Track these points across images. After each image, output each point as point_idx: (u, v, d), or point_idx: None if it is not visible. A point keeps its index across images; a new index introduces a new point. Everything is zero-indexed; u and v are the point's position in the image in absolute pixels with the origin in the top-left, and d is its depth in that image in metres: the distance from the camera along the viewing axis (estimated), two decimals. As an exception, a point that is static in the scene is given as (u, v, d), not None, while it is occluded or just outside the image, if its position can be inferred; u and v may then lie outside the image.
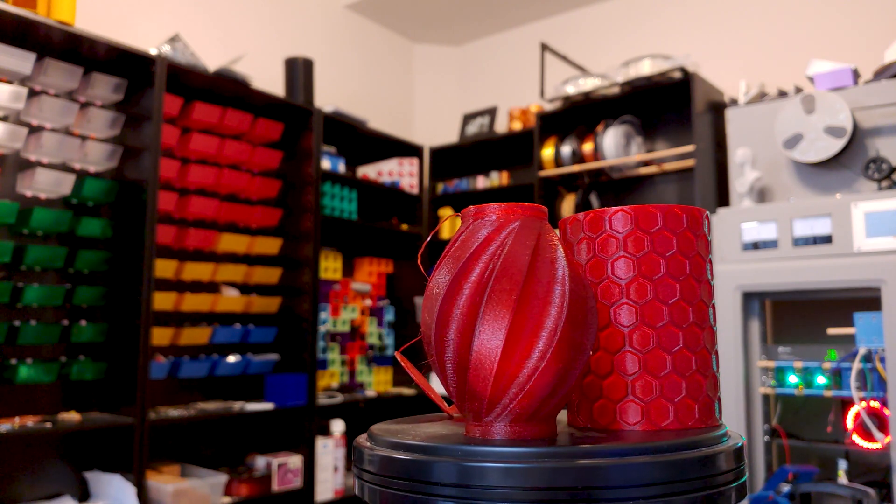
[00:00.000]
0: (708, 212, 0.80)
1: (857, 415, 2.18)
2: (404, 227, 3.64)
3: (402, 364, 0.82)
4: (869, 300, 2.32)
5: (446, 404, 0.82)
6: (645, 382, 0.71)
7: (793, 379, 2.34)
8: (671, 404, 0.72)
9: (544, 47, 3.52)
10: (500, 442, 0.63)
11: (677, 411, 0.72)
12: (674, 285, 0.73)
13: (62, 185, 2.35)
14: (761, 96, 2.73)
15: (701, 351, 0.74)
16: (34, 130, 2.34)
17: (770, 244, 2.41)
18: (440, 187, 3.98)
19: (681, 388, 0.72)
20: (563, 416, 0.83)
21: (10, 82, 2.28)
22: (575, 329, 0.62)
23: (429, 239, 0.73)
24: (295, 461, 2.87)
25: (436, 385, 3.68)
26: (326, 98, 3.68)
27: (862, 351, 2.18)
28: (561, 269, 0.63)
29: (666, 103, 3.26)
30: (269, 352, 3.06)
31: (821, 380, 2.29)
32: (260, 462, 2.85)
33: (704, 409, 0.73)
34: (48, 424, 2.18)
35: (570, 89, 3.33)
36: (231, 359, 2.81)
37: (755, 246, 2.45)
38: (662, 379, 0.72)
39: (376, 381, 3.51)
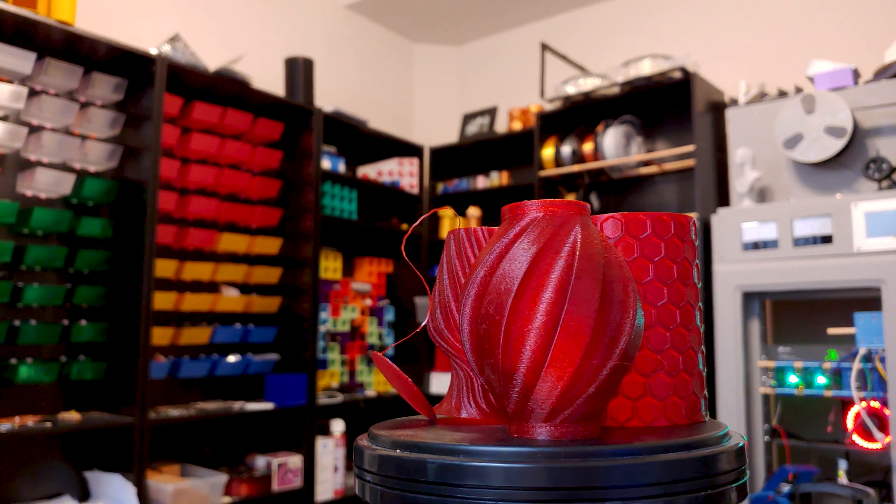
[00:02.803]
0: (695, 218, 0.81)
1: (858, 415, 2.18)
2: (404, 227, 3.64)
3: (379, 364, 0.78)
4: (869, 300, 2.32)
5: (427, 407, 0.80)
6: (661, 381, 0.75)
7: (793, 379, 2.34)
8: (683, 401, 0.76)
9: (544, 47, 3.52)
10: (515, 441, 0.62)
11: (687, 407, 0.76)
12: (683, 290, 0.77)
13: (62, 184, 2.35)
14: (761, 96, 2.73)
15: (700, 351, 0.79)
16: (34, 130, 2.34)
17: (770, 244, 2.41)
18: (440, 187, 3.98)
19: (690, 385, 0.76)
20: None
21: (10, 82, 2.28)
22: (638, 329, 0.62)
23: (410, 231, 0.71)
24: (295, 461, 2.87)
25: (436, 385, 3.68)
26: (326, 98, 3.68)
27: (862, 351, 2.18)
28: (627, 270, 0.63)
29: (666, 103, 3.26)
30: (269, 352, 3.06)
31: (821, 380, 2.29)
32: (260, 462, 2.85)
33: (704, 404, 0.79)
34: (48, 424, 2.18)
35: (570, 89, 3.33)
36: (231, 359, 2.81)
37: (755, 246, 2.45)
38: (675, 378, 0.76)
39: (376, 381, 3.51)
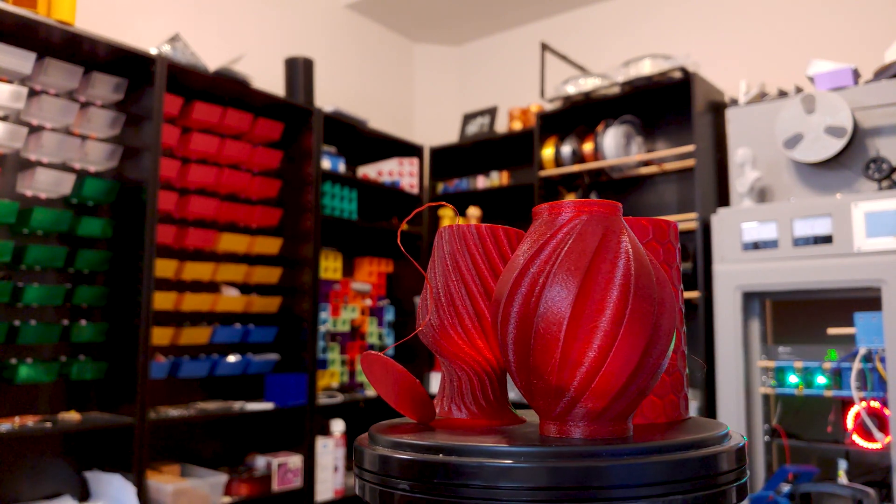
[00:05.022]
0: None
1: (858, 415, 2.18)
2: (405, 227, 3.64)
3: (371, 365, 0.73)
4: (869, 300, 2.32)
5: (428, 408, 0.77)
6: (661, 380, 0.77)
7: (793, 379, 2.34)
8: (678, 398, 0.78)
9: (544, 47, 3.52)
10: (527, 441, 0.62)
11: (682, 404, 0.79)
12: (676, 292, 0.80)
13: (62, 184, 2.35)
14: (761, 96, 2.73)
15: (685, 351, 0.83)
16: (34, 130, 2.34)
17: (770, 244, 2.41)
18: (440, 187, 3.98)
19: (682, 384, 0.79)
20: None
21: (10, 82, 2.28)
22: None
23: (404, 224, 0.70)
24: (295, 461, 2.87)
25: (436, 385, 3.68)
26: (326, 98, 3.68)
27: (862, 351, 2.18)
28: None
29: (666, 103, 3.26)
30: (269, 352, 3.06)
31: (821, 380, 2.29)
32: (260, 462, 2.85)
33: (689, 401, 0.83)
34: (48, 424, 2.18)
35: (571, 89, 3.33)
36: (231, 359, 2.81)
37: (755, 246, 2.45)
38: (672, 376, 0.78)
39: (376, 381, 3.51)
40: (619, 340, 0.59)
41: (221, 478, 2.63)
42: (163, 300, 2.60)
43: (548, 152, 3.39)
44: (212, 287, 2.89)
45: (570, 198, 3.41)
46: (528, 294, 0.62)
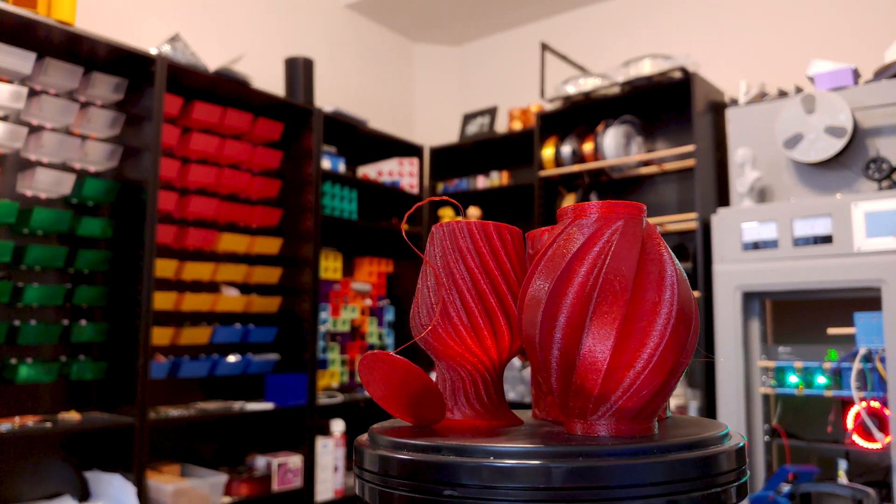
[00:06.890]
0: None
1: (858, 415, 2.18)
2: (405, 227, 3.64)
3: (372, 366, 0.70)
4: (869, 300, 2.32)
5: (440, 408, 0.74)
6: None
7: (793, 379, 2.34)
8: (672, 398, 0.77)
9: (544, 47, 3.52)
10: (523, 440, 0.62)
11: (668, 403, 0.81)
12: None
13: (62, 184, 2.35)
14: (761, 96, 2.73)
15: None
16: (34, 130, 2.34)
17: (770, 244, 2.41)
18: (440, 187, 3.98)
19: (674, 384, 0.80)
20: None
21: (10, 82, 2.28)
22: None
23: (403, 224, 0.69)
24: (295, 461, 2.87)
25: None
26: (326, 98, 3.67)
27: (862, 351, 2.18)
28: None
29: (666, 103, 3.26)
30: (269, 352, 3.06)
31: (821, 380, 2.29)
32: (260, 462, 2.85)
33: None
34: (48, 424, 2.18)
35: (571, 89, 3.33)
36: (231, 359, 2.81)
37: (755, 246, 2.45)
38: None
39: (376, 381, 3.51)
40: (664, 344, 0.59)
41: (221, 478, 2.63)
42: (163, 300, 2.60)
43: (548, 152, 3.39)
44: (212, 287, 2.89)
45: (570, 198, 3.41)
46: (576, 300, 0.60)
